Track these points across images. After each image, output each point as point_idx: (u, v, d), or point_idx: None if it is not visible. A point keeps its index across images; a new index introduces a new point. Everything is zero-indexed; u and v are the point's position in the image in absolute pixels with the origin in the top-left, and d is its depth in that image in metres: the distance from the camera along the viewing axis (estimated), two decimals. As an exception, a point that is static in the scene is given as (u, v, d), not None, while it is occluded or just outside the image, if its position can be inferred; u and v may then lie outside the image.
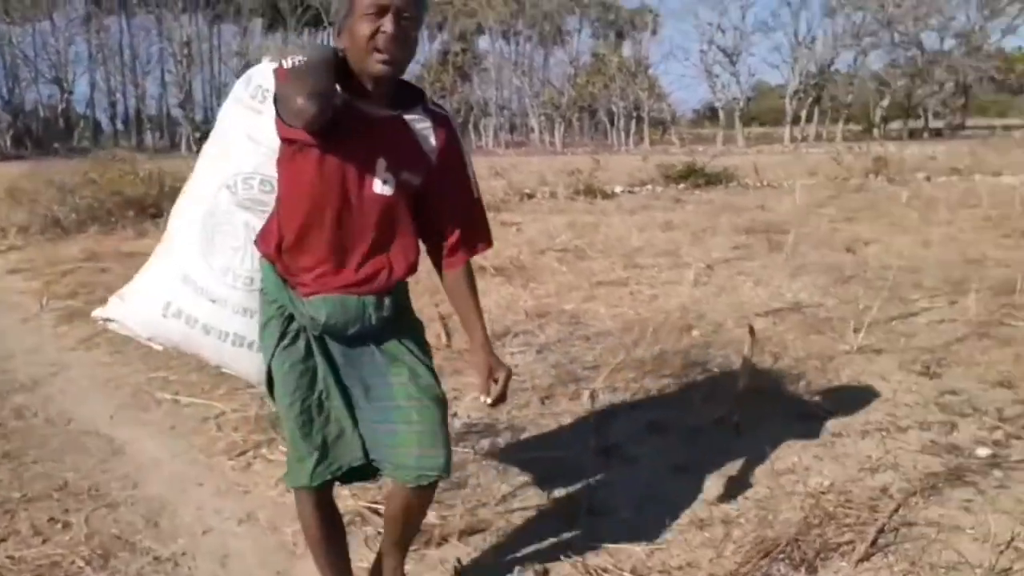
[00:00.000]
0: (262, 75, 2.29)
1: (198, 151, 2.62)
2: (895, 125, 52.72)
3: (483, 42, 70.75)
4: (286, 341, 2.13)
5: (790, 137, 49.76)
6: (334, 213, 2.01)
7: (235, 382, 4.00)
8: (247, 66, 3.01)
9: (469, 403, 4.06)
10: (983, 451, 3.48)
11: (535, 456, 3.54)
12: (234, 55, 54.95)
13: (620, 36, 66.45)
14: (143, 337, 2.53)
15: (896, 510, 2.95)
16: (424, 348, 2.21)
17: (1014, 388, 4.19)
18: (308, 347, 2.14)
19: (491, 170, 16.11)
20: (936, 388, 4.24)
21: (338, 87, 1.92)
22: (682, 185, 15.92)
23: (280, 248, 2.09)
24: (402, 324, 2.18)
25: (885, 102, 50.82)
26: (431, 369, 2.18)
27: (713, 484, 3.27)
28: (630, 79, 55.74)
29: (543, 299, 6.42)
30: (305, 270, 2.08)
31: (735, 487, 3.21)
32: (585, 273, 7.42)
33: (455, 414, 3.97)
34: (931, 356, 4.73)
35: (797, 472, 3.35)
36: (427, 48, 75.51)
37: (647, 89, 55.39)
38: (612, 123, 58.16)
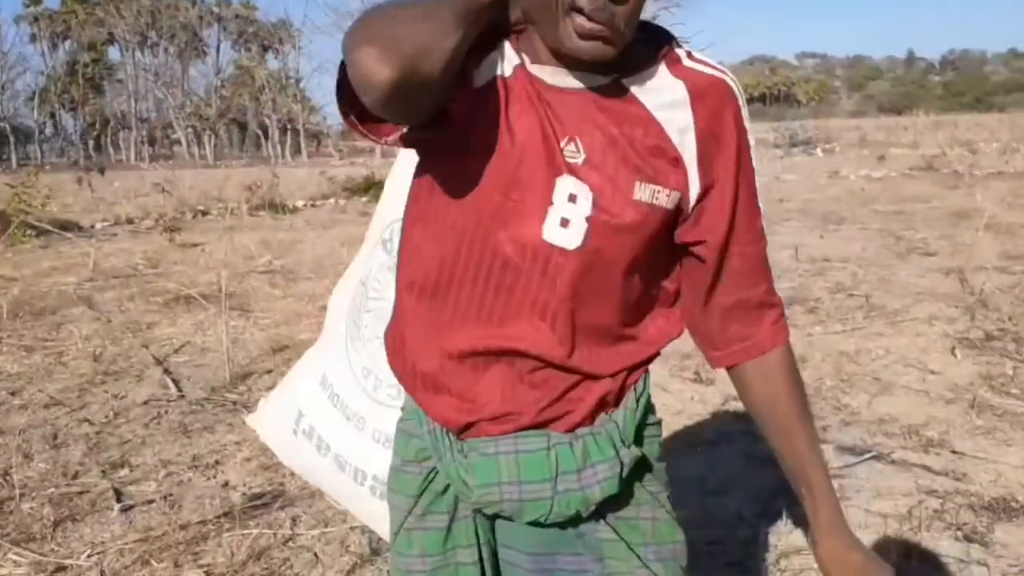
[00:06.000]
0: None
1: None
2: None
3: (114, 52, 65.74)
4: (424, 515, 1.19)
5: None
6: (477, 283, 1.07)
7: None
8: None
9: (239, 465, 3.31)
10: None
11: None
12: None
13: (265, 49, 65.01)
14: (282, 460, 1.68)
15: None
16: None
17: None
18: (465, 534, 1.19)
19: (154, 186, 14.56)
20: (719, 394, 4.19)
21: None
22: (365, 198, 15.48)
23: (405, 355, 1.17)
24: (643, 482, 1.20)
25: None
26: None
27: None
28: (280, 91, 54.53)
29: (272, 330, 5.65)
30: (450, 395, 1.12)
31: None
32: (305, 296, 6.73)
33: (226, 483, 3.22)
34: (692, 361, 4.72)
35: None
36: (51, 58, 68.51)
37: (300, 102, 54.44)
38: (266, 136, 56.53)
